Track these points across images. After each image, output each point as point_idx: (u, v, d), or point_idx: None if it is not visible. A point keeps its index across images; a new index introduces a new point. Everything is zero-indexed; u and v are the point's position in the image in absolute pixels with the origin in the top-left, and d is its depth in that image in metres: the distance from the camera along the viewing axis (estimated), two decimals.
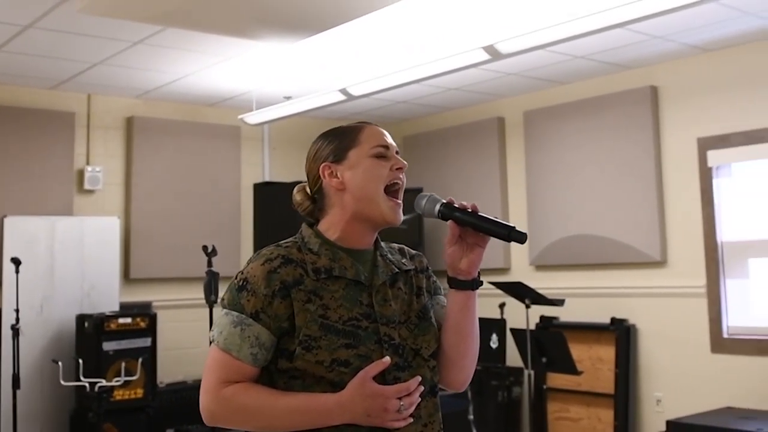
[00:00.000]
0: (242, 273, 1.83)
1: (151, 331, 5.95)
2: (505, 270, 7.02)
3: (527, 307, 5.78)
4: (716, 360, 5.77)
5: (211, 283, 4.31)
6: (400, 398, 1.74)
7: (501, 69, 6.20)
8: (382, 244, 1.98)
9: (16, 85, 6.26)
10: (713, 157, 5.86)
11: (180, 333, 6.76)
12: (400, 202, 1.91)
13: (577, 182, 6.61)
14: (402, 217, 1.91)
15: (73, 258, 6.21)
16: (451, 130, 7.61)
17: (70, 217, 6.33)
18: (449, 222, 1.85)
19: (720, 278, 5.80)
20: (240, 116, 6.57)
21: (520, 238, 1.77)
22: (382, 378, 1.76)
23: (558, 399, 6.53)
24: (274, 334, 1.77)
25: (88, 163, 6.58)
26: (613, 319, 6.27)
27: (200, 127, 7.11)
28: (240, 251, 7.10)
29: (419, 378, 1.79)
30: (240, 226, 7.23)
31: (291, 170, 7.54)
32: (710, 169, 5.89)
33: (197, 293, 6.78)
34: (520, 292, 5.80)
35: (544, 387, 6.07)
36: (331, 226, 1.90)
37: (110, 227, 6.44)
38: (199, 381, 6.15)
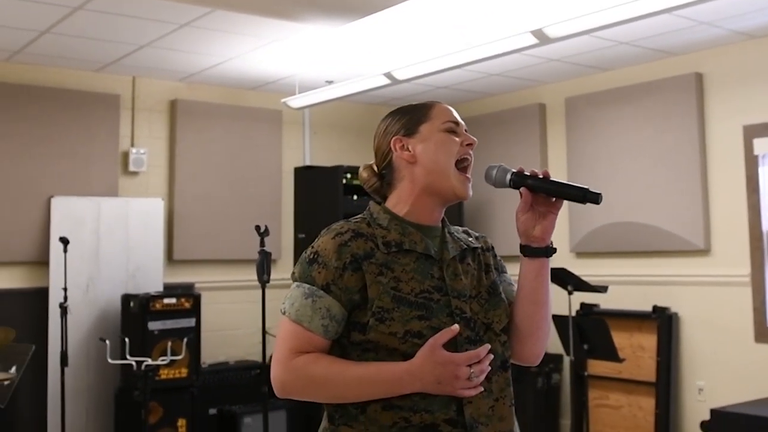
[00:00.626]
0: (313, 247, 1.85)
1: (195, 311, 6.02)
2: None
3: (570, 293, 5.77)
4: (760, 349, 5.72)
5: (263, 263, 4.35)
6: (470, 366, 1.73)
7: (543, 55, 6.16)
8: (449, 225, 1.99)
9: (62, 66, 6.33)
10: (759, 144, 5.80)
11: (222, 315, 6.83)
12: (470, 177, 1.93)
13: (619, 169, 6.57)
14: (471, 193, 1.92)
15: (118, 238, 6.29)
16: (492, 116, 7.59)
17: (115, 198, 6.41)
18: (522, 189, 1.86)
19: (765, 267, 5.75)
20: (283, 100, 6.60)
21: (596, 198, 1.78)
22: (454, 351, 1.76)
23: (598, 386, 6.52)
24: (345, 307, 1.78)
25: (132, 145, 6.65)
26: (655, 308, 6.24)
27: (242, 110, 7.16)
28: (281, 234, 7.14)
29: (488, 346, 1.78)
30: (281, 210, 7.28)
31: (331, 155, 7.59)
32: (756, 156, 5.83)
33: (239, 275, 6.93)
34: (563, 278, 5.78)
35: (585, 374, 6.04)
36: (399, 200, 1.92)
37: (154, 209, 6.51)
38: (241, 362, 6.29)
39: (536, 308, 1.90)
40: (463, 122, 1.96)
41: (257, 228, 4.39)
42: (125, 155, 6.61)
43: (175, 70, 6.52)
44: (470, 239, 1.99)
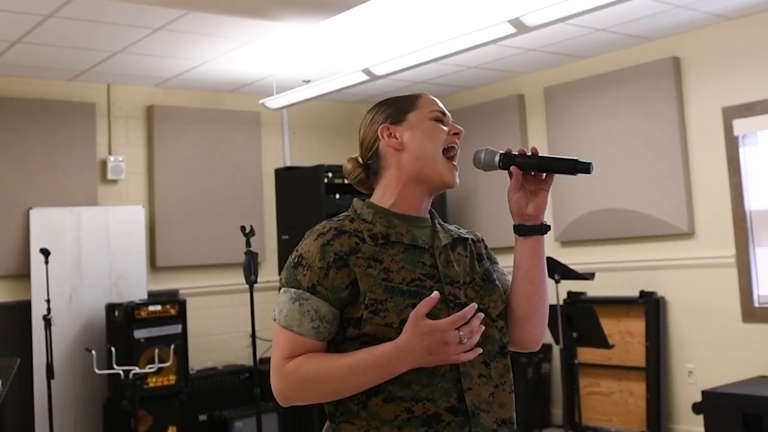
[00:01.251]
0: (297, 251, 1.83)
1: (181, 317, 5.96)
2: None
3: (557, 282, 5.77)
4: (747, 329, 5.75)
5: (250, 263, 4.30)
6: (458, 329, 1.70)
7: (521, 45, 6.16)
8: (437, 218, 1.97)
9: (36, 77, 6.26)
10: (739, 126, 5.82)
11: (207, 320, 6.79)
12: (457, 166, 1.93)
13: (600, 157, 6.57)
14: (458, 181, 1.92)
15: (99, 248, 6.22)
16: (471, 109, 7.58)
17: (94, 207, 6.34)
18: (512, 169, 1.86)
19: (749, 247, 5.77)
20: (261, 100, 6.56)
21: (586, 168, 1.79)
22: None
23: (588, 374, 6.52)
24: (334, 306, 1.76)
25: (110, 153, 6.59)
26: (642, 293, 6.25)
27: (220, 113, 7.11)
28: (264, 236, 7.10)
29: (474, 305, 1.74)
30: (263, 212, 7.23)
31: (311, 155, 7.55)
32: (736, 138, 5.84)
33: (223, 279, 6.89)
34: (550, 267, 5.78)
35: (575, 362, 6.03)
36: (386, 190, 1.91)
37: (135, 216, 6.45)
38: (229, 367, 6.26)
39: (534, 288, 1.89)
40: (449, 113, 1.97)
41: (242, 228, 4.34)
42: (103, 163, 6.55)
43: (151, 75, 6.46)
44: (460, 231, 1.99)
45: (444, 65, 6.53)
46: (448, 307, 1.78)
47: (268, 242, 7.19)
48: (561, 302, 5.91)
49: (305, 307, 1.75)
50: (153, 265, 6.64)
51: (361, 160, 1.98)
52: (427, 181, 1.89)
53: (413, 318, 1.69)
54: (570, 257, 6.41)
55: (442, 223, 1.97)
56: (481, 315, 1.75)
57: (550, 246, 6.80)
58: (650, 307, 6.20)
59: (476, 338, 1.73)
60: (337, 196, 6.92)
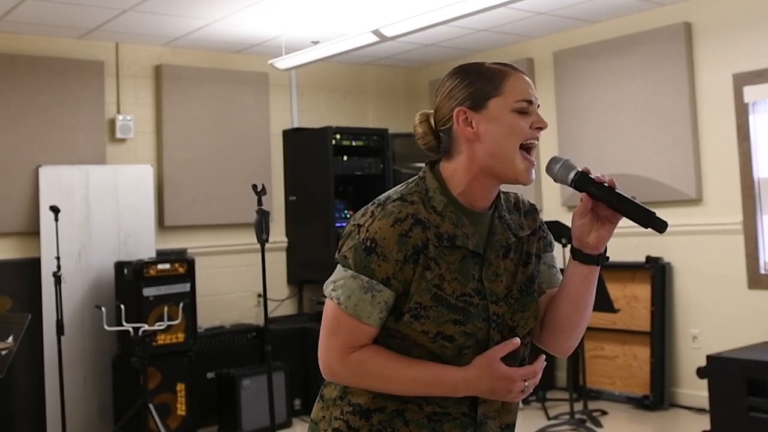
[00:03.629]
0: (367, 231, 1.72)
1: (189, 276, 5.99)
2: None
3: (564, 246, 5.79)
4: (753, 296, 5.78)
5: (261, 222, 4.31)
6: (524, 380, 1.72)
7: (531, 8, 6.12)
8: (501, 194, 1.88)
9: (44, 35, 6.24)
10: (749, 92, 5.80)
11: (215, 279, 6.83)
12: (534, 161, 1.80)
13: (609, 122, 6.56)
14: (534, 178, 1.80)
15: (108, 206, 6.24)
16: None
17: (103, 166, 6.35)
18: (582, 196, 1.74)
19: (757, 214, 5.79)
20: (270, 61, 6.54)
21: (661, 226, 1.67)
22: (478, 351, 1.74)
23: (593, 338, 6.57)
24: (399, 296, 1.73)
25: (118, 112, 6.58)
26: (648, 258, 6.28)
27: (228, 74, 7.09)
28: (271, 197, 7.11)
29: (543, 360, 1.76)
30: (270, 173, 7.23)
31: (319, 116, 7.54)
32: (746, 104, 5.83)
33: (230, 239, 6.93)
34: (558, 231, 5.79)
35: None
36: (455, 175, 1.79)
37: (144, 175, 6.46)
38: (237, 326, 6.28)
39: (577, 311, 1.83)
40: (536, 97, 1.80)
41: (254, 187, 4.34)
42: (112, 122, 6.55)
43: (159, 34, 6.44)
44: (521, 221, 1.87)
45: (454, 28, 6.50)
46: (489, 326, 1.75)
47: (275, 203, 7.20)
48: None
49: (377, 299, 1.70)
50: (161, 224, 6.66)
51: (434, 126, 1.84)
52: (500, 177, 1.78)
53: (490, 360, 1.70)
54: None
55: (503, 212, 1.85)
56: (544, 364, 1.76)
57: (556, 210, 6.86)
58: (656, 273, 6.22)
59: (532, 389, 1.76)
60: (345, 157, 6.92)
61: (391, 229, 1.70)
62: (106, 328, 5.56)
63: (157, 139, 6.77)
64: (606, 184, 1.72)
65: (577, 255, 1.78)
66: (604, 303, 5.83)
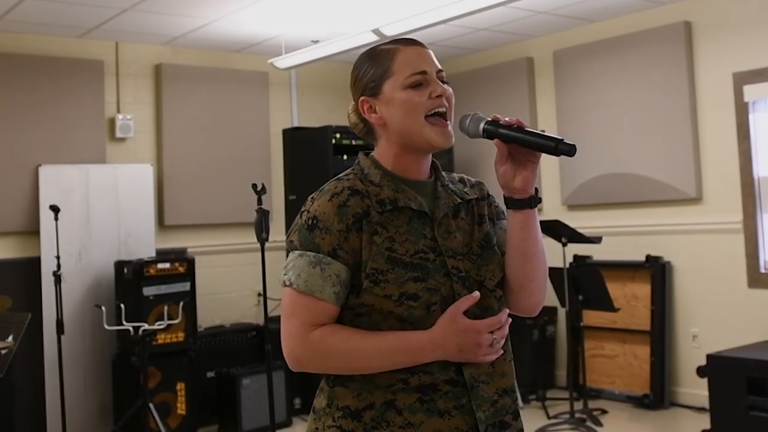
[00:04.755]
0: (308, 212, 1.76)
1: (189, 275, 5.99)
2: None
3: (564, 245, 5.80)
4: (753, 295, 5.78)
5: (261, 221, 4.31)
6: (491, 332, 1.71)
7: (531, 7, 6.12)
8: (443, 173, 1.90)
9: (44, 34, 6.24)
10: (749, 91, 5.80)
11: (215, 278, 6.83)
12: (448, 122, 1.81)
13: (609, 121, 6.56)
14: (452, 140, 1.81)
15: (108, 205, 6.24)
16: (480, 72, 7.55)
17: (103, 165, 6.35)
18: (495, 141, 1.76)
19: (757, 213, 5.79)
20: (270, 60, 6.54)
21: (569, 150, 1.67)
22: (446, 308, 1.73)
23: (593, 337, 6.57)
24: (351, 270, 1.72)
25: (118, 111, 6.58)
26: (648, 257, 6.28)
27: (228, 73, 7.09)
28: (271, 196, 7.11)
29: (507, 311, 1.77)
30: (270, 172, 7.24)
31: (320, 115, 7.53)
32: (746, 103, 5.83)
33: (230, 239, 6.93)
34: (558, 230, 5.81)
35: (580, 325, 6.09)
36: (382, 156, 1.84)
37: (144, 175, 6.46)
38: (237, 325, 6.26)
39: (525, 260, 1.82)
40: (435, 64, 1.81)
41: (254, 186, 4.34)
42: (112, 122, 6.54)
43: (159, 33, 6.43)
44: (465, 189, 1.91)
45: (453, 27, 6.50)
46: (452, 281, 1.75)
47: (275, 202, 7.20)
48: (567, 265, 5.95)
49: (327, 271, 1.70)
50: (161, 223, 6.66)
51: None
52: (418, 149, 1.81)
53: (451, 314, 1.69)
54: (577, 221, 6.43)
55: (446, 181, 1.89)
56: (510, 320, 1.76)
57: (557, 209, 6.86)
58: (656, 272, 6.23)
59: (502, 342, 1.76)
60: (345, 156, 6.92)
61: (329, 203, 1.74)
62: (106, 327, 5.56)
63: (157, 139, 6.77)
64: (514, 125, 1.75)
65: (509, 203, 1.80)
66: (604, 302, 5.84)
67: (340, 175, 1.85)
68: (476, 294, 1.73)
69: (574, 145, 1.68)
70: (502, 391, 1.79)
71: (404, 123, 1.78)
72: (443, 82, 1.83)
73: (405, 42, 1.83)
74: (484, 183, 1.98)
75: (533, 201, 1.79)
